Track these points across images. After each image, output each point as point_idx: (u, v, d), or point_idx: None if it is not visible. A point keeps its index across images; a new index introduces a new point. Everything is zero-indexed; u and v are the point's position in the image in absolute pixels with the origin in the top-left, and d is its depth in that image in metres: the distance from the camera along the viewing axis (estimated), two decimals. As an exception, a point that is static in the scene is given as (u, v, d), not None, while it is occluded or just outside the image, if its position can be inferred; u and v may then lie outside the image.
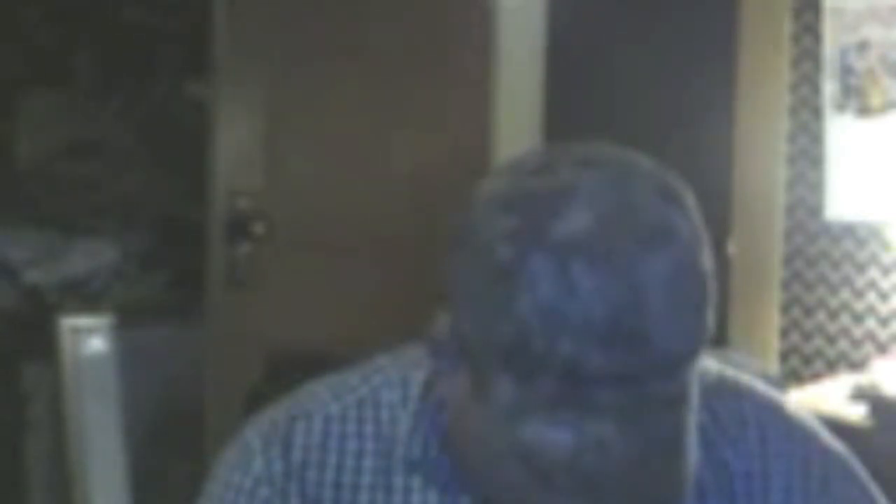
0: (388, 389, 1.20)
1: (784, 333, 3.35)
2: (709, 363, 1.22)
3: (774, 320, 3.34)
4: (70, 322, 3.71)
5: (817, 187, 3.28)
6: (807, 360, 3.32)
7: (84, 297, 4.03)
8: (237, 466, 1.20)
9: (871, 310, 3.23)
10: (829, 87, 3.24)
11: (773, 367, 3.29)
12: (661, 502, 1.02)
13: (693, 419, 1.03)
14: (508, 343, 1.00)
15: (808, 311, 3.32)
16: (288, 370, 3.13)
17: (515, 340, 0.99)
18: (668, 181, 1.05)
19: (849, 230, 3.25)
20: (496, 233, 1.01)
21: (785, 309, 3.34)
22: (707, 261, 1.03)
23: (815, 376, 3.25)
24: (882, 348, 3.18)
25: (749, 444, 1.18)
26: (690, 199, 1.05)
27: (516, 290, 0.99)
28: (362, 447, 1.18)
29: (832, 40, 3.23)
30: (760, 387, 1.24)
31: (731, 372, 1.24)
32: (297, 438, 1.19)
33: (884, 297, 3.21)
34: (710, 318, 1.03)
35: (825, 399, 2.90)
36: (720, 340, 3.32)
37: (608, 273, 0.98)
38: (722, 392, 1.20)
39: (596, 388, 0.98)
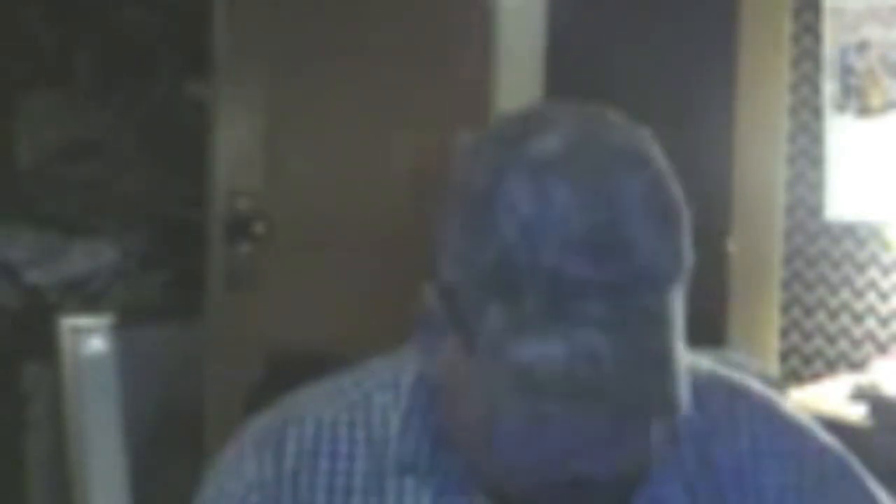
0: (379, 392, 1.20)
1: (784, 333, 3.35)
2: (702, 361, 1.22)
3: (774, 320, 3.34)
4: (70, 322, 3.71)
5: (817, 187, 3.28)
6: (807, 360, 3.32)
7: (84, 297, 4.02)
8: (229, 473, 1.20)
9: (871, 310, 3.23)
10: (829, 87, 3.24)
11: (773, 367, 3.30)
12: (655, 412, 1.02)
13: (681, 345, 1.03)
14: (493, 266, 1.01)
15: (808, 311, 3.32)
16: (288, 370, 3.13)
17: (499, 261, 1.00)
18: (638, 128, 1.08)
19: (849, 230, 3.26)
20: (472, 166, 1.05)
21: (785, 309, 3.35)
22: (679, 193, 1.05)
23: (815, 376, 3.25)
24: (882, 348, 3.18)
25: (740, 442, 1.18)
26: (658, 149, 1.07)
27: (495, 212, 1.01)
28: (354, 451, 1.18)
29: (832, 40, 3.23)
30: (755, 385, 1.24)
31: (724, 370, 1.24)
32: (289, 444, 1.19)
33: (884, 297, 3.21)
34: (688, 246, 1.04)
35: (825, 399, 2.90)
36: (720, 340, 3.32)
37: (585, 187, 1.00)
38: (713, 389, 1.20)
39: (583, 301, 0.99)
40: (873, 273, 3.23)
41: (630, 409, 1.01)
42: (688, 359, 1.13)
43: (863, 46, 3.19)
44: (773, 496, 1.17)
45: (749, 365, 1.51)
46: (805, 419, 1.24)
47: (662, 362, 1.01)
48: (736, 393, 1.21)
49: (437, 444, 1.15)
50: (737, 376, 1.23)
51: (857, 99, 3.21)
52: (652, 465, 1.07)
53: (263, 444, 1.19)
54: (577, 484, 1.04)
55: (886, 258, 3.21)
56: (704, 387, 1.19)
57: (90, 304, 3.94)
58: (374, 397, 1.20)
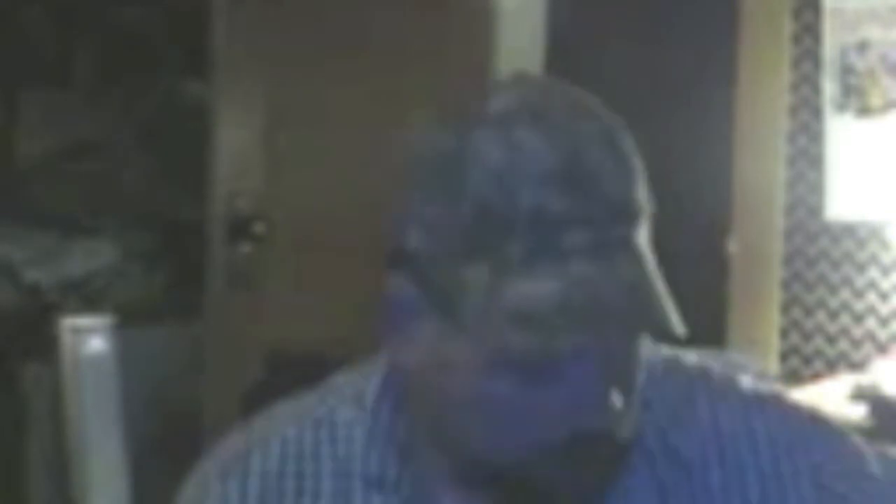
0: (343, 407, 1.18)
1: (784, 333, 3.35)
2: (660, 349, 1.21)
3: (774, 320, 3.34)
4: (70, 322, 3.71)
5: (817, 187, 3.28)
6: (807, 360, 3.32)
7: (84, 297, 4.03)
8: (194, 499, 1.19)
9: (871, 310, 3.23)
10: (829, 87, 3.24)
11: (773, 367, 3.29)
12: (659, 325, 1.03)
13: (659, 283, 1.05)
14: (472, 221, 1.02)
15: (808, 311, 3.32)
16: (288, 370, 3.13)
17: (478, 215, 1.01)
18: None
19: (849, 230, 3.25)
20: (432, 138, 1.07)
21: (785, 309, 3.34)
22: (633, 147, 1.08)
23: (815, 376, 3.25)
24: (882, 348, 3.18)
25: (701, 428, 1.16)
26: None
27: (465, 168, 1.02)
28: (320, 469, 1.17)
29: (832, 40, 3.23)
30: (714, 368, 1.22)
31: (680, 358, 1.22)
32: (254, 466, 1.17)
33: (884, 297, 3.21)
34: (645, 192, 1.06)
35: (825, 399, 2.90)
36: (720, 340, 3.32)
37: (550, 131, 1.03)
38: (671, 377, 1.19)
39: (565, 234, 1.00)
40: (873, 273, 3.23)
41: (631, 332, 1.03)
42: (646, 349, 1.13)
43: (863, 46, 3.19)
44: (739, 477, 1.15)
45: (749, 365, 1.51)
46: (766, 392, 1.22)
47: (653, 285, 1.03)
48: (694, 378, 1.19)
49: (404, 457, 1.14)
50: (695, 361, 1.22)
51: (857, 99, 3.20)
52: (631, 431, 1.08)
53: (227, 472, 1.18)
54: (574, 441, 1.04)
55: (886, 258, 3.21)
56: (662, 375, 1.18)
57: (90, 304, 3.95)
58: (337, 413, 1.18)
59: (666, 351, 1.21)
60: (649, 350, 1.16)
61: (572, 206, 1.01)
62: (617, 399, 1.05)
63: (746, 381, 1.21)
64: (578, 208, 1.01)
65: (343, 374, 1.23)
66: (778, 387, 1.45)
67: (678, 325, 1.03)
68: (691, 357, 1.22)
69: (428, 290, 1.06)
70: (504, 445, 1.06)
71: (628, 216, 1.03)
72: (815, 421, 1.21)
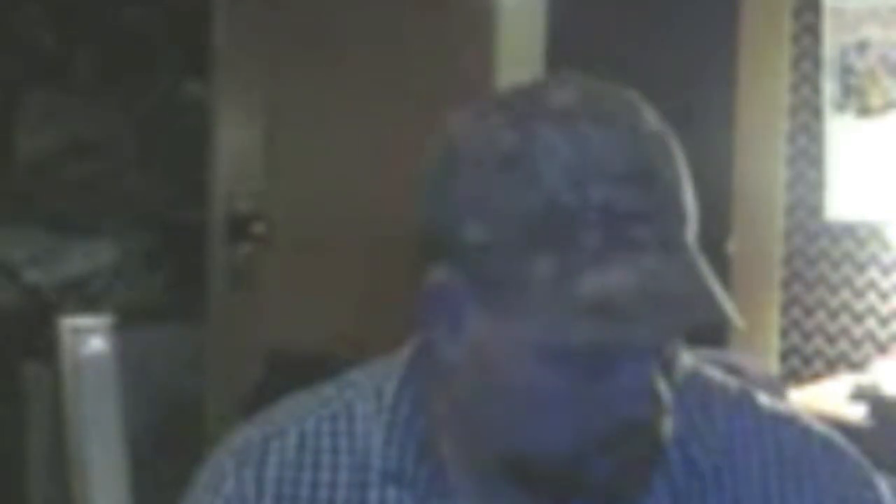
0: (361, 402, 1.19)
1: (784, 333, 3.35)
2: (683, 358, 1.22)
3: (774, 320, 3.34)
4: (70, 322, 3.71)
5: (817, 187, 3.28)
6: (807, 360, 3.32)
7: (84, 297, 4.03)
8: (208, 487, 1.19)
9: (871, 310, 3.23)
10: (829, 87, 3.24)
11: (773, 367, 3.29)
12: (721, 317, 1.06)
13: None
14: (541, 214, 1.03)
15: (808, 311, 3.32)
16: (288, 370, 3.14)
17: (548, 208, 1.02)
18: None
19: (849, 230, 3.25)
20: (489, 129, 1.07)
21: (785, 309, 3.34)
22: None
23: (815, 376, 3.25)
24: (882, 348, 3.18)
25: (717, 440, 1.17)
26: None
27: (533, 161, 1.03)
28: (337, 461, 1.17)
29: (832, 40, 3.23)
30: (731, 381, 1.23)
31: (702, 368, 1.23)
32: (271, 457, 1.18)
33: (884, 297, 3.21)
34: (692, 196, 1.09)
35: (825, 399, 2.90)
36: (720, 340, 3.32)
37: (613, 127, 1.05)
38: (689, 388, 1.19)
39: (633, 227, 1.03)
40: (873, 273, 3.23)
41: (697, 314, 1.04)
42: None
43: (863, 46, 3.19)
44: (749, 490, 1.16)
45: (749, 365, 1.51)
46: (784, 408, 1.23)
47: (711, 279, 1.06)
48: (711, 389, 1.20)
49: (422, 453, 1.15)
50: (712, 373, 1.23)
51: (857, 99, 3.20)
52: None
53: (244, 460, 1.18)
54: (623, 432, 1.06)
55: (886, 258, 3.21)
56: (682, 385, 1.18)
57: (90, 304, 3.95)
58: (356, 407, 1.19)
59: (686, 361, 1.21)
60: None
61: (638, 202, 1.03)
62: (665, 391, 1.07)
63: (763, 397, 1.22)
64: (644, 205, 1.03)
65: (360, 369, 1.23)
66: (791, 400, 1.45)
67: (736, 318, 1.06)
68: (711, 370, 1.23)
69: (484, 281, 1.06)
70: (551, 438, 1.07)
71: (683, 215, 1.06)
72: (828, 444, 1.21)
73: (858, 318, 3.25)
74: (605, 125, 1.05)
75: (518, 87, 1.11)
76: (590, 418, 1.06)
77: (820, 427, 1.22)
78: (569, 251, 1.02)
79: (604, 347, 1.04)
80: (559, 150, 1.03)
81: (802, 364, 3.33)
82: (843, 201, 3.24)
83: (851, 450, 1.22)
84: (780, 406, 1.23)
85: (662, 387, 1.07)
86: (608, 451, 1.06)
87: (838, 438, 1.22)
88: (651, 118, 1.08)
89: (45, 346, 3.73)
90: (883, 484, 1.21)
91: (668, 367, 1.09)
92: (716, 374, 1.23)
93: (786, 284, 3.34)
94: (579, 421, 1.06)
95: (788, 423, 1.20)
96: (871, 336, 3.23)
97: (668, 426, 1.09)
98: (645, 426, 1.07)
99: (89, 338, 3.68)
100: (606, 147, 1.04)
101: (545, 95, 1.07)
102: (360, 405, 1.19)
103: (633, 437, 1.06)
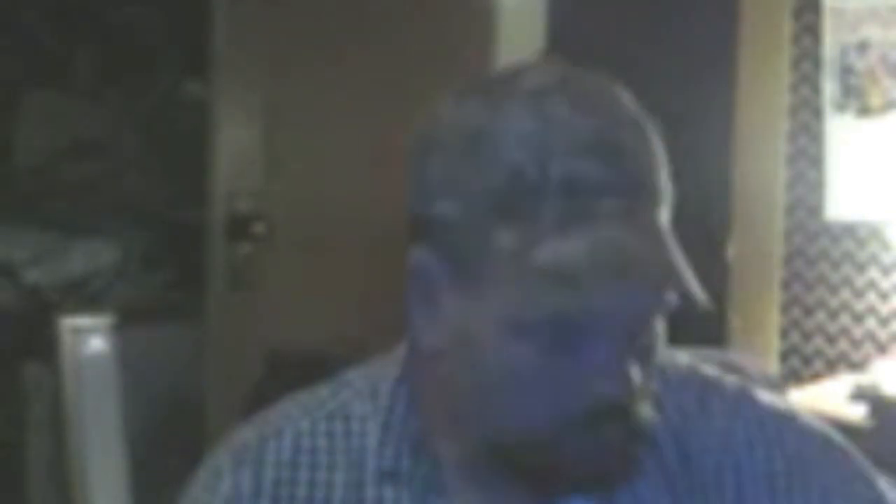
0: (357, 402, 1.19)
1: (784, 333, 3.35)
2: (679, 357, 1.22)
3: (774, 320, 3.34)
4: (70, 322, 3.71)
5: (817, 187, 3.28)
6: (807, 360, 3.32)
7: (84, 297, 4.03)
8: (206, 487, 1.19)
9: (871, 310, 3.23)
10: (829, 87, 3.24)
11: (773, 367, 3.29)
12: (682, 288, 1.06)
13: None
14: (504, 188, 1.04)
15: (808, 311, 3.32)
16: (288, 370, 3.14)
17: (510, 181, 1.04)
18: None
19: (849, 230, 3.25)
20: (462, 111, 1.09)
21: (785, 309, 3.34)
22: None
23: (815, 376, 3.25)
24: (882, 348, 3.18)
25: (715, 437, 1.18)
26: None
27: (497, 137, 1.05)
28: (333, 461, 1.17)
29: (832, 40, 3.23)
30: (729, 379, 1.23)
31: (701, 367, 1.23)
32: (268, 457, 1.18)
33: (884, 297, 3.21)
34: (667, 179, 1.10)
35: (825, 399, 2.90)
36: (720, 340, 3.32)
37: (582, 104, 1.07)
38: (687, 385, 1.20)
39: (594, 202, 1.04)
40: (873, 273, 3.23)
41: (655, 283, 1.05)
42: (664, 355, 1.14)
43: (863, 46, 3.19)
44: (753, 487, 1.17)
45: (749, 365, 1.51)
46: (782, 406, 1.23)
47: (675, 253, 1.06)
48: (709, 387, 1.21)
49: (417, 452, 1.15)
50: (711, 370, 1.23)
51: (857, 99, 3.20)
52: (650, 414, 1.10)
53: (241, 461, 1.19)
54: (595, 411, 1.06)
55: (886, 258, 3.21)
56: (678, 383, 1.20)
57: (90, 304, 3.95)
58: (351, 407, 1.19)
59: (683, 359, 1.22)
60: (667, 357, 1.18)
61: (602, 176, 1.04)
62: (636, 372, 1.07)
63: (763, 394, 1.23)
64: (607, 179, 1.04)
65: (356, 369, 1.24)
66: (790, 400, 1.45)
67: (699, 294, 1.06)
68: (708, 368, 1.24)
69: (455, 259, 1.08)
70: (528, 416, 1.07)
71: (653, 194, 1.07)
72: (828, 442, 1.21)
73: (858, 318, 3.25)
74: (574, 103, 1.06)
75: (500, 71, 1.15)
76: (562, 395, 1.07)
77: (819, 425, 1.22)
78: (529, 223, 1.04)
79: (566, 318, 1.04)
80: (523, 126, 1.05)
81: (802, 364, 3.33)
82: (843, 201, 3.24)
83: (851, 448, 1.22)
84: (779, 403, 1.23)
85: (635, 370, 1.07)
86: (583, 431, 1.07)
87: (837, 436, 1.22)
88: (628, 104, 1.10)
89: (45, 346, 3.73)
90: (882, 482, 1.21)
91: (644, 354, 1.09)
92: (714, 371, 1.23)
93: (786, 284, 3.34)
94: (552, 398, 1.07)
95: (790, 421, 1.21)
96: (871, 336, 3.23)
97: (646, 412, 1.09)
98: (618, 407, 1.07)
99: (89, 338, 3.68)
100: (572, 122, 1.05)
101: (521, 78, 1.09)
102: (356, 405, 1.19)
103: (607, 417, 1.07)
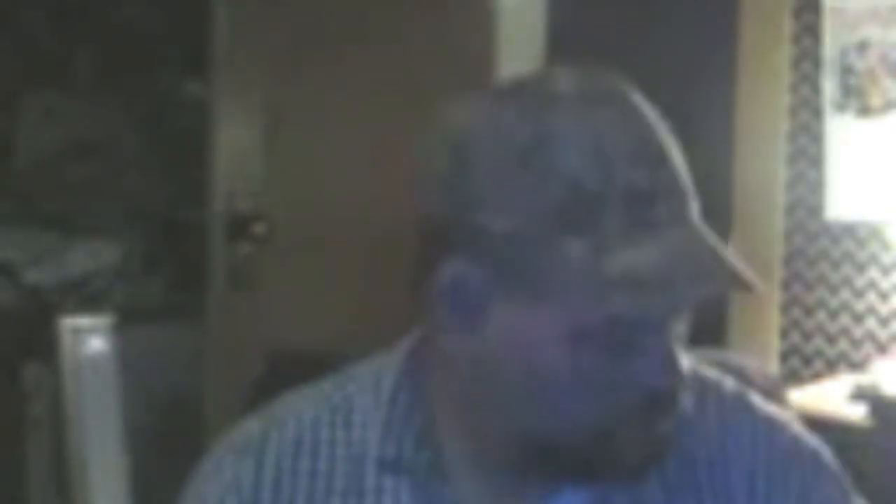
0: (360, 394, 1.20)
1: (784, 333, 3.35)
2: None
3: (774, 320, 3.34)
4: (70, 322, 3.71)
5: (817, 187, 3.28)
6: (807, 360, 3.32)
7: (84, 297, 4.03)
8: (207, 477, 1.21)
9: (871, 310, 3.23)
10: (829, 87, 3.24)
11: (773, 367, 3.30)
12: (743, 284, 1.09)
13: None
14: (563, 200, 1.05)
15: (808, 311, 3.32)
16: (288, 370, 3.13)
17: (571, 193, 1.05)
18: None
19: (849, 230, 3.26)
20: (503, 120, 1.09)
21: (785, 309, 3.35)
22: None
23: (815, 376, 3.26)
24: (882, 348, 3.19)
25: (711, 438, 1.19)
26: None
27: (551, 150, 1.06)
28: (335, 452, 1.18)
29: (832, 40, 3.23)
30: (727, 381, 1.25)
31: (701, 368, 1.24)
32: (270, 447, 1.19)
33: (884, 297, 3.21)
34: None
35: (825, 399, 2.90)
36: (720, 340, 3.32)
37: (617, 108, 1.09)
38: (688, 386, 1.20)
39: (654, 206, 1.06)
40: (873, 273, 3.23)
41: (722, 285, 1.10)
42: None
43: (863, 46, 3.19)
44: (745, 490, 1.18)
45: (749, 365, 1.51)
46: (777, 412, 1.25)
47: (724, 249, 1.10)
48: (706, 389, 1.22)
49: (420, 443, 1.16)
50: (709, 372, 1.24)
51: (857, 99, 3.21)
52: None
53: (244, 451, 1.20)
54: (650, 404, 1.09)
55: (886, 258, 3.21)
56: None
57: (90, 304, 3.94)
58: (355, 399, 1.20)
59: (686, 361, 1.22)
60: None
61: (657, 182, 1.07)
62: (683, 361, 1.11)
63: (758, 399, 1.24)
64: (662, 185, 1.07)
65: (359, 362, 1.24)
66: (790, 401, 1.45)
67: (756, 282, 1.10)
68: (708, 370, 1.25)
69: (510, 271, 1.07)
70: (584, 415, 1.09)
71: (690, 193, 1.10)
72: (816, 455, 1.23)
73: (858, 318, 3.25)
74: (611, 108, 1.08)
75: (519, 79, 1.14)
76: (619, 392, 1.08)
77: (811, 437, 1.24)
78: (595, 233, 1.05)
79: (630, 322, 1.06)
80: (573, 137, 1.06)
81: (802, 364, 3.33)
82: (843, 201, 3.24)
83: (837, 465, 1.24)
84: (774, 410, 1.25)
85: (682, 359, 1.11)
86: (637, 423, 1.09)
87: (826, 451, 1.24)
88: (648, 104, 1.12)
89: (45, 346, 3.73)
90: (859, 499, 1.23)
91: (682, 341, 1.12)
92: (712, 373, 1.25)
93: (786, 284, 3.34)
94: (609, 396, 1.08)
95: (782, 428, 1.22)
96: (871, 336, 3.23)
97: (686, 399, 1.12)
98: (668, 397, 1.10)
99: (89, 338, 3.68)
100: (624, 129, 1.07)
101: (547, 84, 1.10)
102: (359, 397, 1.20)
103: (656, 409, 1.10)
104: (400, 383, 1.19)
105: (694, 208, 1.10)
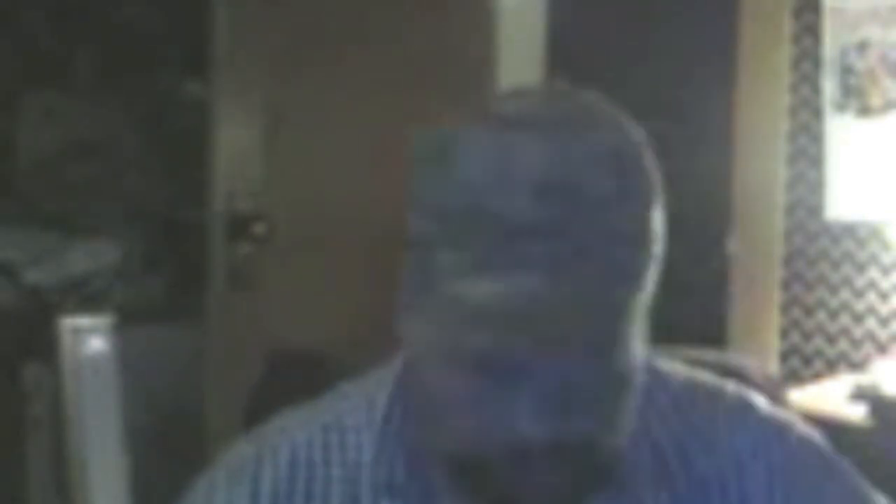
0: (353, 413, 1.19)
1: (784, 333, 3.35)
2: (677, 368, 1.22)
3: (774, 320, 3.34)
4: (70, 322, 3.71)
5: (817, 187, 3.28)
6: (807, 360, 3.32)
7: (84, 297, 4.03)
8: (200, 502, 1.19)
9: (871, 310, 3.23)
10: (829, 87, 3.24)
11: (773, 367, 3.30)
12: (593, 352, 1.03)
13: (633, 301, 1.04)
14: (447, 212, 1.03)
15: (808, 311, 3.32)
16: (288, 370, 3.13)
17: (450, 207, 1.03)
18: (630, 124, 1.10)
19: (849, 230, 3.26)
20: (440, 130, 1.08)
21: (785, 309, 3.35)
22: (657, 186, 1.07)
23: (815, 376, 3.25)
24: (882, 348, 3.19)
25: (721, 449, 1.18)
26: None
27: (451, 161, 1.04)
28: (329, 474, 1.17)
29: (832, 40, 3.23)
30: (729, 387, 1.23)
31: (698, 376, 1.23)
32: (265, 472, 1.17)
33: (884, 297, 3.21)
34: (658, 217, 1.06)
35: (825, 399, 2.90)
36: (720, 340, 3.32)
37: (540, 138, 1.03)
38: (691, 396, 1.20)
39: (524, 243, 1.01)
40: (873, 273, 3.23)
41: (560, 343, 1.01)
42: (665, 366, 1.14)
43: (863, 46, 3.19)
44: (755, 493, 1.17)
45: (750, 366, 1.51)
46: (781, 415, 1.24)
47: (601, 305, 1.02)
48: (713, 398, 1.21)
49: (413, 463, 1.14)
50: (711, 379, 1.23)
51: (857, 99, 3.21)
52: (611, 441, 1.06)
53: (237, 473, 1.18)
54: (522, 451, 1.02)
55: (886, 258, 3.21)
56: (682, 394, 1.19)
57: (90, 304, 3.94)
58: (346, 419, 1.19)
59: (683, 370, 1.22)
60: (668, 367, 1.19)
61: (537, 218, 1.01)
62: (579, 419, 1.03)
63: (761, 401, 1.23)
64: (541, 217, 1.01)
65: (353, 381, 1.23)
66: (790, 401, 1.45)
67: (610, 347, 1.03)
68: (709, 377, 1.24)
69: (415, 274, 1.07)
70: (480, 442, 1.04)
71: (612, 233, 1.02)
72: (823, 454, 1.22)
73: (858, 318, 3.25)
74: (531, 135, 1.03)
75: (507, 92, 1.14)
76: (492, 429, 1.03)
77: (813, 434, 1.24)
78: (461, 253, 1.02)
79: (487, 355, 1.01)
80: (477, 153, 1.03)
81: (802, 364, 3.33)
82: (843, 201, 3.24)
83: (844, 461, 1.23)
84: (776, 411, 1.24)
85: (579, 417, 1.03)
86: (518, 465, 1.03)
87: (829, 446, 1.24)
88: (608, 133, 1.05)
89: (45, 346, 3.73)
90: (879, 499, 1.23)
91: (617, 384, 1.05)
92: (710, 380, 1.23)
93: (786, 284, 3.34)
94: (483, 429, 1.03)
95: (790, 431, 1.22)
96: (871, 336, 3.23)
97: (607, 447, 1.05)
98: (549, 448, 1.02)
99: (89, 338, 3.68)
100: (517, 156, 1.02)
101: (505, 102, 1.09)
102: (352, 417, 1.19)
103: (539, 456, 1.03)
104: (392, 403, 1.17)
105: (603, 248, 1.02)
